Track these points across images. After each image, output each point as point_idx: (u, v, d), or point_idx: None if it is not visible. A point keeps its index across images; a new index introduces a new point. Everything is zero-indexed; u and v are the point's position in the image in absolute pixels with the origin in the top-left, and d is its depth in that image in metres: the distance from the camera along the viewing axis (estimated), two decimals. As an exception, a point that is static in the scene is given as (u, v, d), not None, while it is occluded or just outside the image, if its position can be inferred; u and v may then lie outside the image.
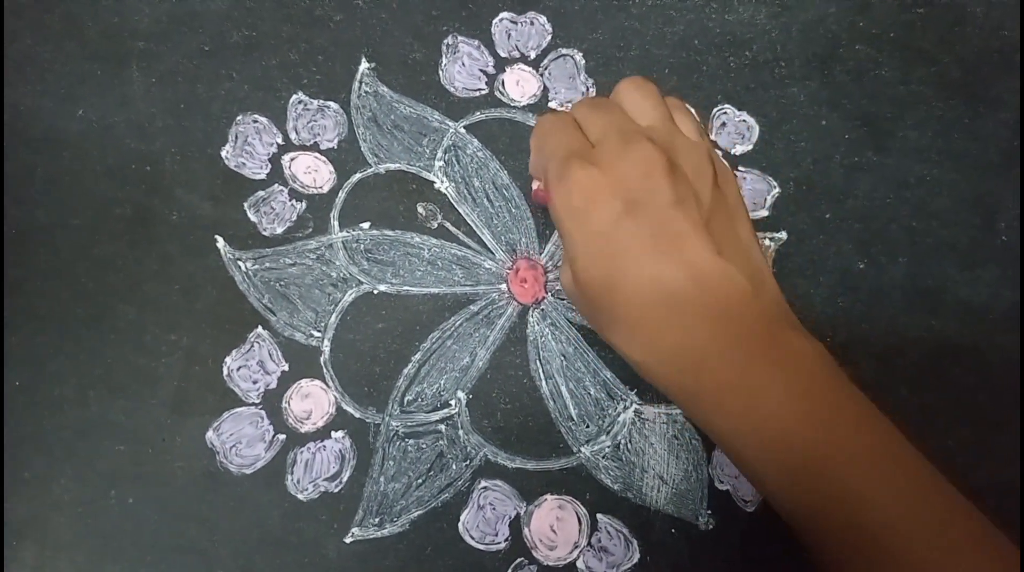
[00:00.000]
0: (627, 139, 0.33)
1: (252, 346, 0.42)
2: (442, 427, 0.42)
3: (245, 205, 0.44)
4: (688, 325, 0.31)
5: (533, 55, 0.48)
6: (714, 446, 0.42)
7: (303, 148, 0.45)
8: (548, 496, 0.41)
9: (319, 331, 0.42)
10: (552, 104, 0.47)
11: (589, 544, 0.40)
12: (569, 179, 0.33)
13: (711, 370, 0.31)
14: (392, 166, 0.45)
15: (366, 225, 0.44)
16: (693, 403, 0.33)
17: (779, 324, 0.32)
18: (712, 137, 0.47)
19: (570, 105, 0.47)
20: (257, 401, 0.41)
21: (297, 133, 0.45)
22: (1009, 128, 0.47)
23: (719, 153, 0.46)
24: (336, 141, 0.45)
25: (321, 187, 0.45)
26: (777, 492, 0.32)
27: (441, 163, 0.46)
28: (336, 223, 0.44)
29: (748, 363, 0.31)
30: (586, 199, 0.32)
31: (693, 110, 0.46)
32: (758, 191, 0.46)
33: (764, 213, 0.45)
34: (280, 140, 0.45)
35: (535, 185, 0.42)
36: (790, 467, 0.30)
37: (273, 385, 0.42)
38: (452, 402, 0.42)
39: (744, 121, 0.47)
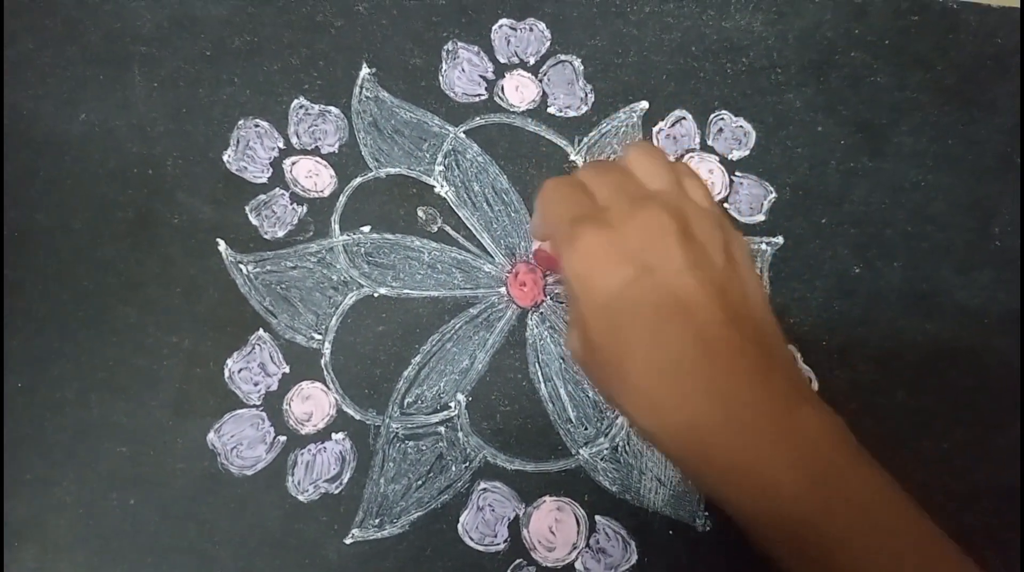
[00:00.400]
0: (637, 203, 0.32)
1: (253, 348, 0.42)
2: (442, 429, 0.42)
3: (246, 208, 0.44)
4: (697, 400, 0.30)
5: (532, 61, 0.48)
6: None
7: (304, 152, 0.46)
8: (547, 498, 0.41)
9: (320, 334, 0.43)
10: (551, 110, 0.47)
11: (587, 545, 0.40)
12: (579, 243, 0.32)
13: (720, 452, 0.30)
14: (392, 170, 0.46)
15: (367, 229, 0.45)
16: (702, 481, 0.32)
17: (792, 399, 0.31)
18: (709, 142, 0.47)
19: (569, 111, 0.47)
20: (258, 403, 0.41)
21: (298, 137, 0.46)
22: (1003, 133, 0.48)
23: (715, 158, 0.47)
24: (337, 145, 0.46)
25: (322, 191, 0.45)
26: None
27: (441, 168, 0.46)
28: (337, 227, 0.44)
29: (758, 447, 0.30)
30: (597, 263, 0.31)
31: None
32: (755, 196, 0.46)
33: (761, 218, 0.46)
34: (281, 144, 0.46)
35: (535, 245, 0.41)
36: (802, 553, 0.30)
37: (274, 387, 0.42)
38: (452, 404, 0.42)
39: (741, 127, 0.47)
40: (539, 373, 0.43)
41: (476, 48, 0.48)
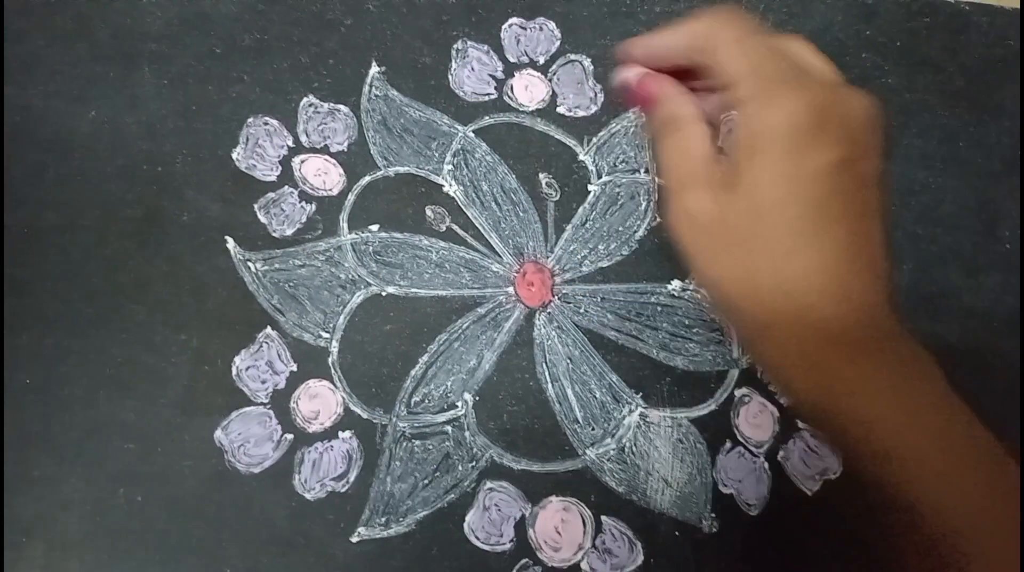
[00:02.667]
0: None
1: (261, 346, 0.42)
2: (449, 428, 0.42)
3: (255, 206, 0.44)
4: (816, 340, 0.30)
5: (542, 60, 0.48)
6: (718, 450, 0.42)
7: (313, 151, 0.46)
8: (553, 498, 0.41)
9: (327, 332, 0.43)
10: (560, 110, 0.47)
11: (593, 546, 0.40)
12: (686, 213, 0.31)
13: (841, 390, 0.30)
14: (401, 169, 0.46)
15: (375, 227, 0.45)
16: (818, 406, 0.32)
17: (899, 333, 0.31)
18: (719, 143, 0.47)
19: (578, 111, 0.47)
20: (265, 401, 0.42)
21: (307, 136, 0.46)
22: (1012, 136, 0.48)
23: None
24: (346, 144, 0.46)
25: (331, 189, 0.45)
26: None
27: (450, 167, 0.46)
28: (345, 225, 0.44)
29: (873, 375, 0.30)
30: (703, 232, 0.31)
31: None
32: (764, 197, 0.46)
33: (769, 219, 0.46)
34: (290, 142, 0.46)
35: (631, 73, 0.34)
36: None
37: (281, 385, 0.42)
38: (459, 404, 0.42)
39: (750, 127, 0.47)
40: (546, 373, 0.43)
41: (486, 47, 0.48)
